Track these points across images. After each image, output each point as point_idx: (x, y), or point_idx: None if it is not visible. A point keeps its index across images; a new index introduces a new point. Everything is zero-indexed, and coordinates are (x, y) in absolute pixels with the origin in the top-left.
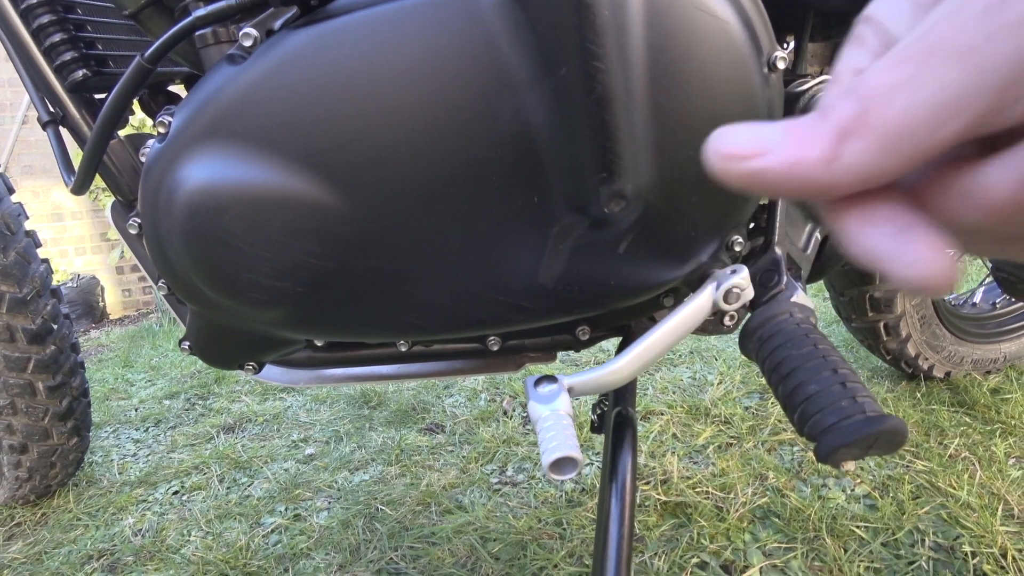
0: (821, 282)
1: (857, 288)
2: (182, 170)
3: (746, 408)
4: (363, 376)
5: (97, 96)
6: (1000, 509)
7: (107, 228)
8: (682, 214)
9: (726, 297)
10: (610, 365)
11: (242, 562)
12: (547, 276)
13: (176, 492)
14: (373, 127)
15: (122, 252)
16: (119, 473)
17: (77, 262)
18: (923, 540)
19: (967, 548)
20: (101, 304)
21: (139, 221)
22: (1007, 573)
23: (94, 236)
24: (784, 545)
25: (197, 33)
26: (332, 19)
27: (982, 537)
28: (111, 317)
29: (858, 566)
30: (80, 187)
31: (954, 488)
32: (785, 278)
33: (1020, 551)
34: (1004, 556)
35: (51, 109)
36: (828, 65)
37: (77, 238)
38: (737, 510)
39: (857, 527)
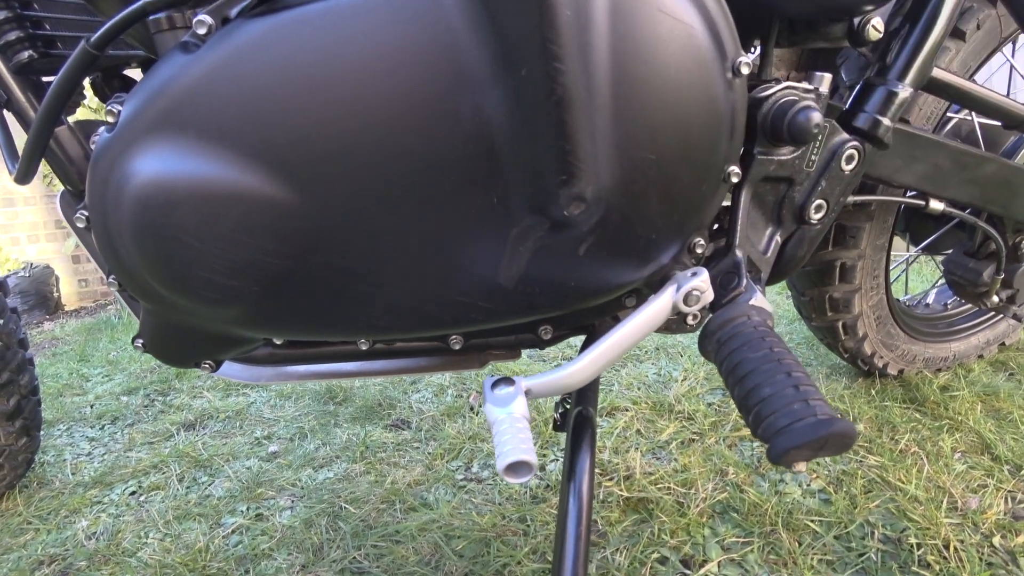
0: (784, 281)
1: (817, 289)
2: (131, 162)
3: (709, 404)
4: (326, 373)
5: (45, 79)
6: (945, 502)
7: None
8: (643, 217)
9: (686, 299)
10: (568, 367)
11: (201, 564)
12: (507, 277)
13: (133, 492)
14: (330, 122)
15: (78, 241)
16: (72, 474)
17: (30, 250)
18: (873, 533)
19: (913, 540)
20: (56, 295)
21: (87, 214)
22: (948, 563)
23: (48, 223)
24: (742, 539)
25: (150, 18)
26: (291, 9)
27: (927, 529)
28: (66, 308)
29: (811, 558)
30: (24, 176)
31: (903, 482)
32: (745, 281)
33: (962, 542)
34: (947, 547)
35: None
36: (795, 70)
37: (30, 225)
38: (697, 505)
39: (811, 521)
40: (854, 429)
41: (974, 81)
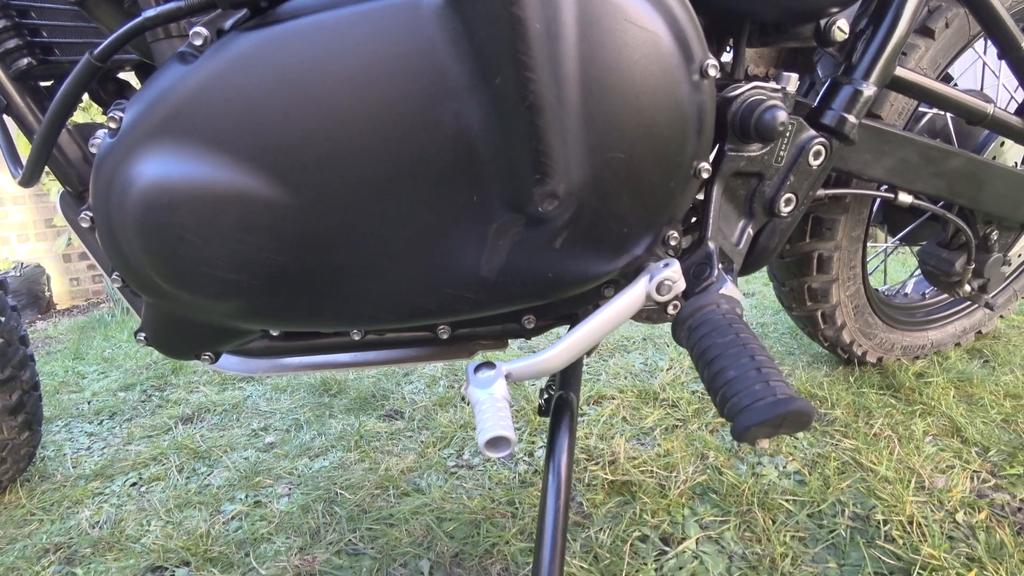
0: (765, 272)
1: (796, 279)
2: (134, 166)
3: (693, 392)
4: (320, 364)
5: (43, 84)
6: (913, 482)
7: (52, 214)
8: (614, 212)
9: (659, 289)
10: (547, 352)
11: (203, 548)
12: (488, 269)
13: (134, 484)
14: (321, 128)
15: (69, 239)
16: (73, 467)
17: (20, 250)
18: (843, 511)
19: (880, 516)
20: (47, 294)
21: (91, 215)
22: (911, 536)
23: (38, 222)
24: (719, 518)
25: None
26: (282, 23)
27: (894, 507)
28: (58, 307)
29: (785, 535)
30: (28, 180)
31: (875, 463)
32: (716, 271)
33: (925, 518)
34: (911, 523)
35: None
36: (774, 67)
37: (20, 224)
38: (678, 487)
39: (786, 501)
40: (811, 408)
41: (949, 77)
